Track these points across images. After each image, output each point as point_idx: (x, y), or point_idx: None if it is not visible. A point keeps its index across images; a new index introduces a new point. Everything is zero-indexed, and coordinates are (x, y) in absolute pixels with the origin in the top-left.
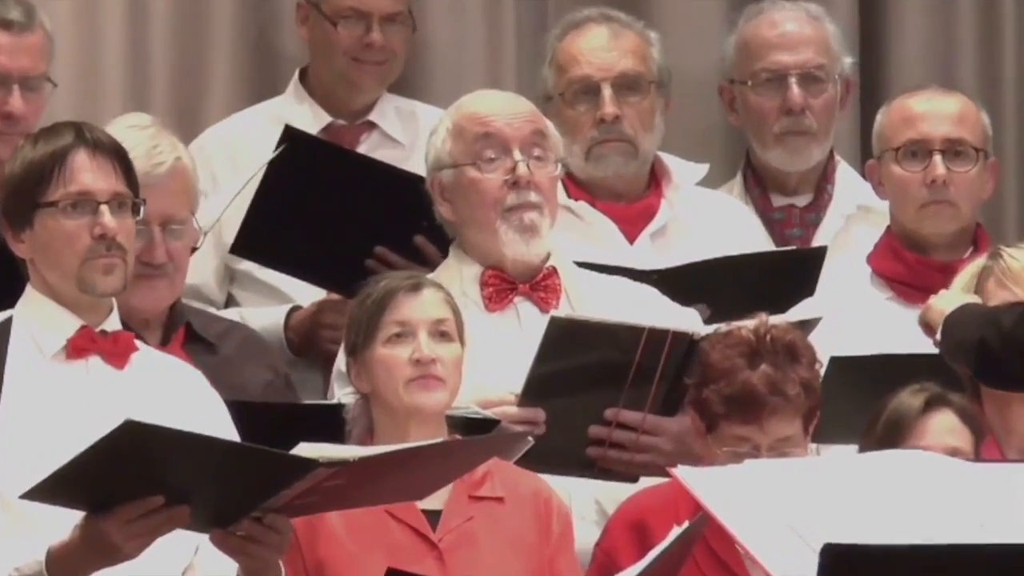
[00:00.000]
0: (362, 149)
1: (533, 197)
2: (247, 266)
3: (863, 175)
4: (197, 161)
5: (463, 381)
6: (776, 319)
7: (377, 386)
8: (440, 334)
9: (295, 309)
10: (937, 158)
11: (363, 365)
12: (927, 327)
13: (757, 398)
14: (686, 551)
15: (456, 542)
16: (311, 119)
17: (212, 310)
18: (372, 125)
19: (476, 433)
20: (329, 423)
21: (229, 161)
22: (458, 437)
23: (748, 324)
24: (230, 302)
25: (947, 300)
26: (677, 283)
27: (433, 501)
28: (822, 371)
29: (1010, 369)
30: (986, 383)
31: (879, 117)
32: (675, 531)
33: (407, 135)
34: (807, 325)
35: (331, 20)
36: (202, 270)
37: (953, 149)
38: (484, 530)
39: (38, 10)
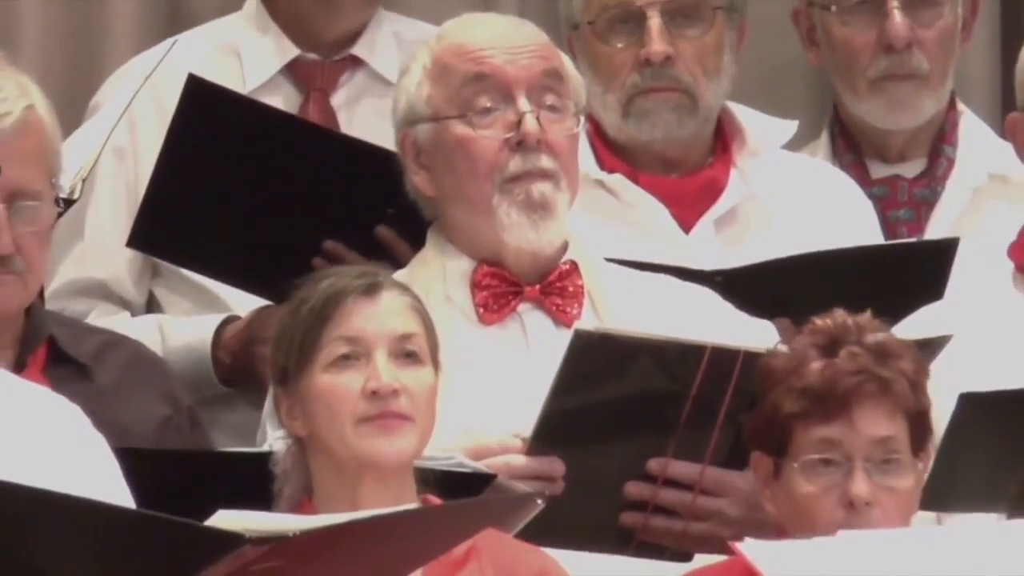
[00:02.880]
0: (339, 94)
1: (545, 162)
2: None
3: (1000, 133)
4: (112, 101)
5: (442, 420)
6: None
7: (317, 428)
8: (405, 355)
9: (230, 321)
10: None
11: (297, 398)
12: None
13: (842, 382)
14: None
15: None
16: (273, 51)
17: (108, 318)
18: (357, 61)
19: (463, 494)
20: (256, 478)
21: (155, 107)
22: (435, 500)
23: (822, 319)
24: (152, 305)
25: None
26: (749, 288)
27: None
28: (932, 387)
29: None
30: None
31: (1022, 58)
32: None
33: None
34: (932, 345)
35: None
36: (113, 260)
37: None
38: None
39: None
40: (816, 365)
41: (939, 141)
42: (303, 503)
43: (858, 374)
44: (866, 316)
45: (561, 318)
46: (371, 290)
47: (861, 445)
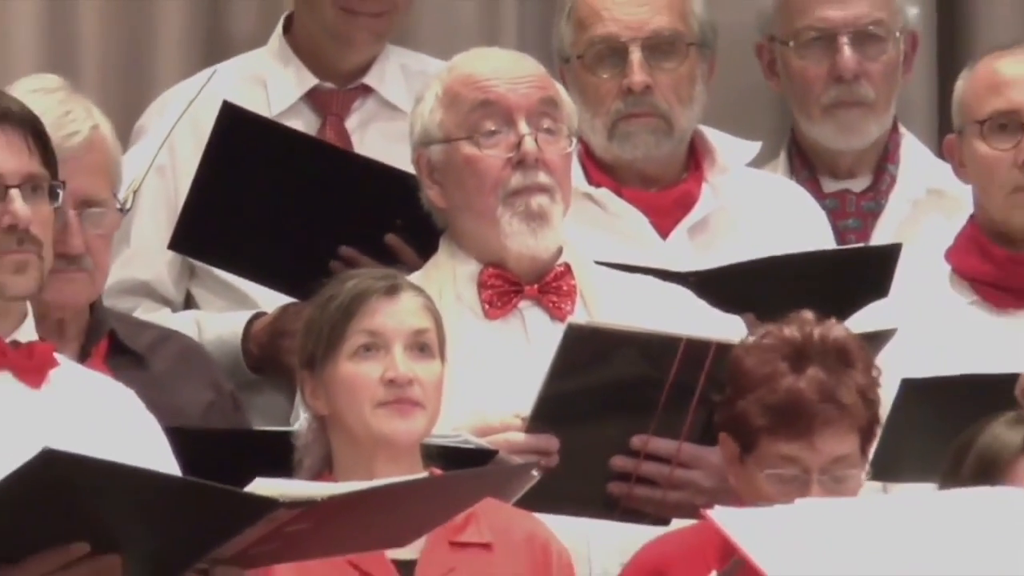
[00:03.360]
0: (353, 119)
1: (542, 178)
2: None
3: (937, 153)
4: (156, 125)
5: (453, 402)
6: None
7: (338, 408)
8: (419, 348)
9: (258, 316)
10: None
11: (321, 382)
12: None
13: (806, 407)
14: None
15: None
16: (294, 81)
17: (155, 314)
18: (368, 89)
19: (465, 466)
20: (285, 453)
21: (192, 129)
22: (438, 471)
23: (789, 325)
24: (189, 302)
25: None
26: (719, 288)
27: (406, 550)
28: (881, 379)
29: None
30: None
31: (960, 82)
32: None
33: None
34: (878, 338)
35: None
36: (155, 263)
37: None
38: None
39: None
40: (784, 383)
41: (883, 160)
42: (323, 474)
43: (821, 401)
44: (831, 322)
45: (556, 313)
46: (392, 291)
47: (819, 462)
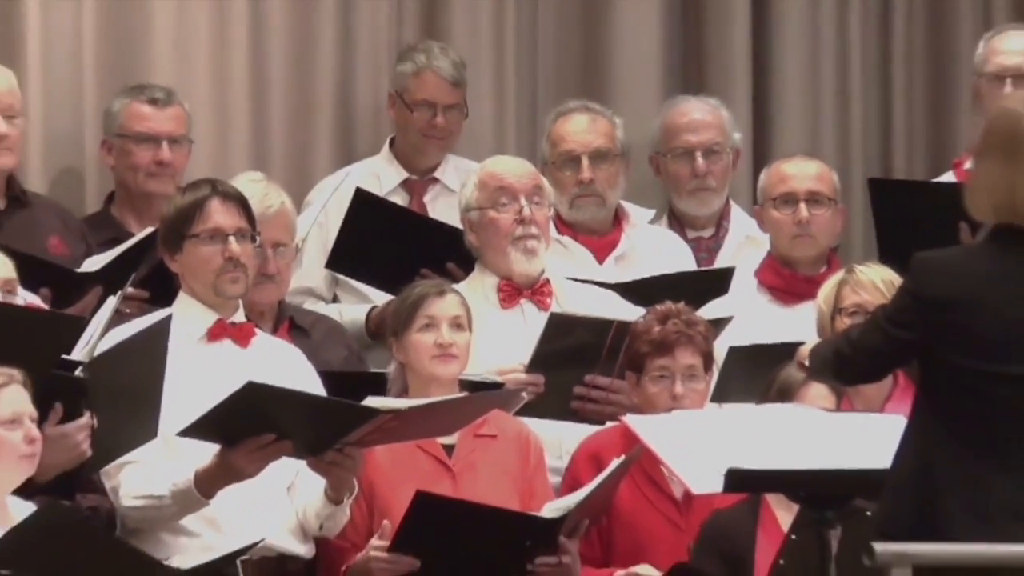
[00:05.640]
0: (428, 196)
1: (533, 230)
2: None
3: (751, 215)
4: (316, 200)
5: (480, 358)
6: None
7: (411, 360)
8: (457, 326)
9: (373, 308)
10: (802, 205)
11: (401, 344)
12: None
13: (668, 336)
14: (624, 473)
15: (465, 468)
16: (395, 174)
17: (314, 307)
18: (436, 179)
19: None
20: (383, 384)
21: (337, 201)
22: (467, 394)
23: (663, 305)
24: (335, 300)
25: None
26: (632, 292)
27: (449, 438)
28: (714, 340)
29: (859, 368)
30: (843, 383)
31: (762, 176)
32: (615, 461)
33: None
34: (721, 323)
35: (409, 107)
36: (316, 277)
37: (813, 198)
38: (483, 459)
39: (176, 93)
40: (657, 329)
41: (721, 220)
42: (402, 396)
43: (677, 333)
44: (682, 305)
45: (543, 307)
46: (441, 293)
47: (679, 368)
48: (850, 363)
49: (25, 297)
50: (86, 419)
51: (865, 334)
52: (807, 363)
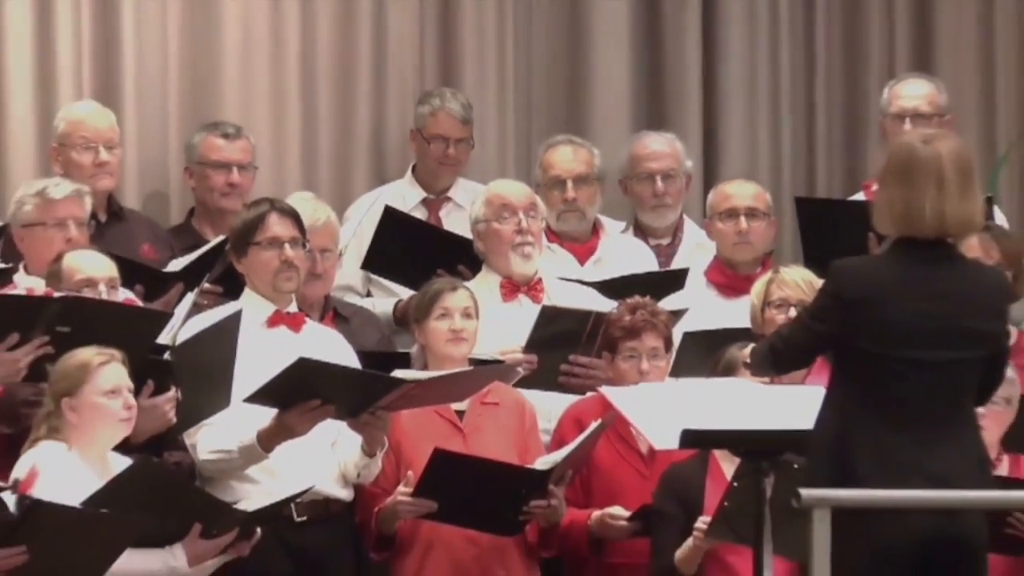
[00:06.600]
0: (443, 212)
1: (530, 239)
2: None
3: (702, 227)
4: (354, 214)
5: (484, 342)
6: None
7: (430, 343)
8: (466, 315)
9: (399, 301)
10: (742, 218)
11: (422, 330)
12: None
13: (638, 323)
14: (601, 433)
15: (473, 429)
16: (416, 194)
17: (352, 300)
18: (449, 198)
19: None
20: (408, 360)
21: (371, 215)
22: (475, 368)
23: (632, 299)
24: (369, 295)
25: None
26: (607, 289)
27: (461, 404)
28: (673, 326)
29: (791, 359)
30: (780, 373)
31: (710, 195)
32: (594, 424)
33: (470, 203)
34: (678, 313)
35: (427, 141)
36: (353, 277)
37: (751, 213)
38: (489, 423)
39: (243, 128)
40: (627, 318)
41: (677, 230)
42: (423, 370)
43: (644, 321)
44: (647, 298)
45: (537, 301)
46: (454, 289)
47: (645, 350)
48: (783, 356)
49: (124, 293)
50: (172, 393)
51: (793, 331)
52: (748, 362)
